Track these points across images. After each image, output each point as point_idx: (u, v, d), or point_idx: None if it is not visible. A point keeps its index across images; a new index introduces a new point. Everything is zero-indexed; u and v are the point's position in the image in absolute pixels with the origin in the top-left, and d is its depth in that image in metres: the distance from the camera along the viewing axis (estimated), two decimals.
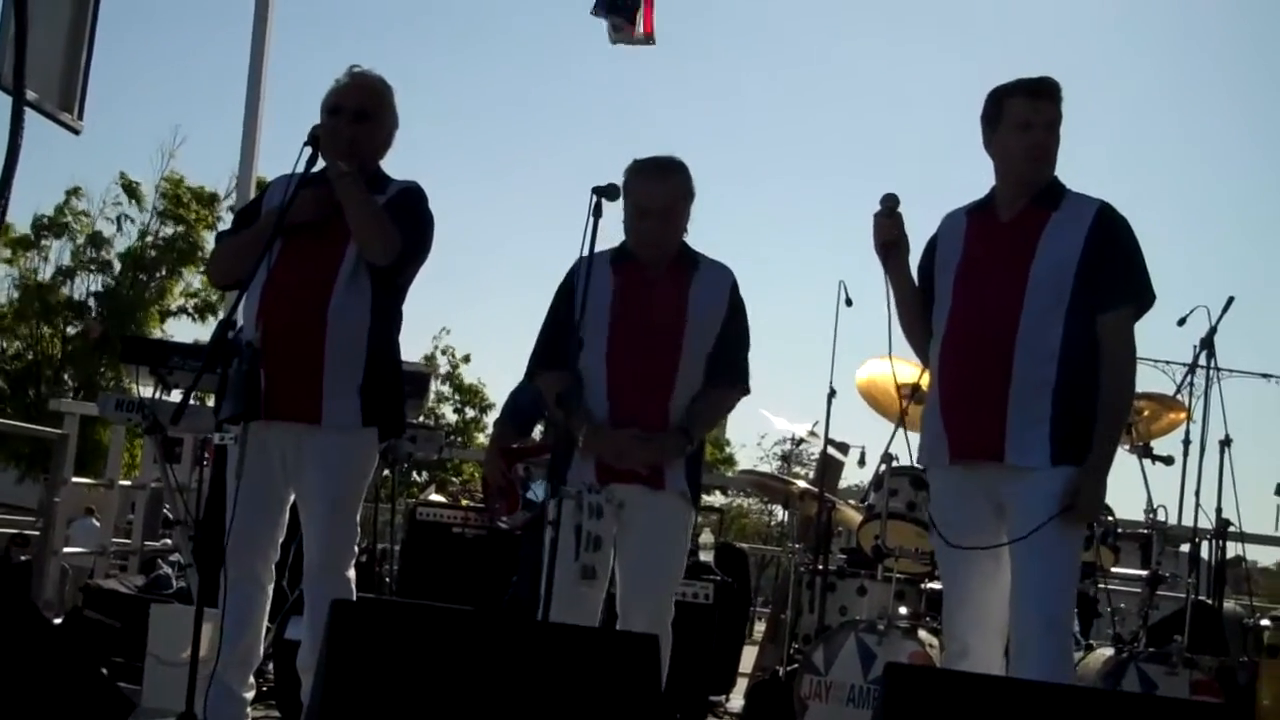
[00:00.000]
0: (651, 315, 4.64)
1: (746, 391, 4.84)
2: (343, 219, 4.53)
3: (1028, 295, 4.27)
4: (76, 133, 6.03)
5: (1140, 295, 4.37)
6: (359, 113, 4.63)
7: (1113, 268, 4.29)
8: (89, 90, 6.03)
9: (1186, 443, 6.54)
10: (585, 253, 4.29)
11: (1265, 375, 7.85)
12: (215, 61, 39.32)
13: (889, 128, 57.37)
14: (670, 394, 4.61)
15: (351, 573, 4.69)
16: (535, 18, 50.72)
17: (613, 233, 4.60)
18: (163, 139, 28.42)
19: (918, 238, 4.58)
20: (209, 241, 26.84)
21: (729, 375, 4.74)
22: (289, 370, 4.48)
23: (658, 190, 4.63)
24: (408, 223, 4.61)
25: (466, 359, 32.75)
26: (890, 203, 4.48)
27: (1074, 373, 4.25)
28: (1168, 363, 7.11)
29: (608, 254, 4.67)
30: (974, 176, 4.55)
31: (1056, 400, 4.24)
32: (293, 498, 4.68)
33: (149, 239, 26.90)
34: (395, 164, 4.83)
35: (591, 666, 3.35)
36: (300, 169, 4.48)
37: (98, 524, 13.68)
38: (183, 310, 27.07)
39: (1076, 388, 4.25)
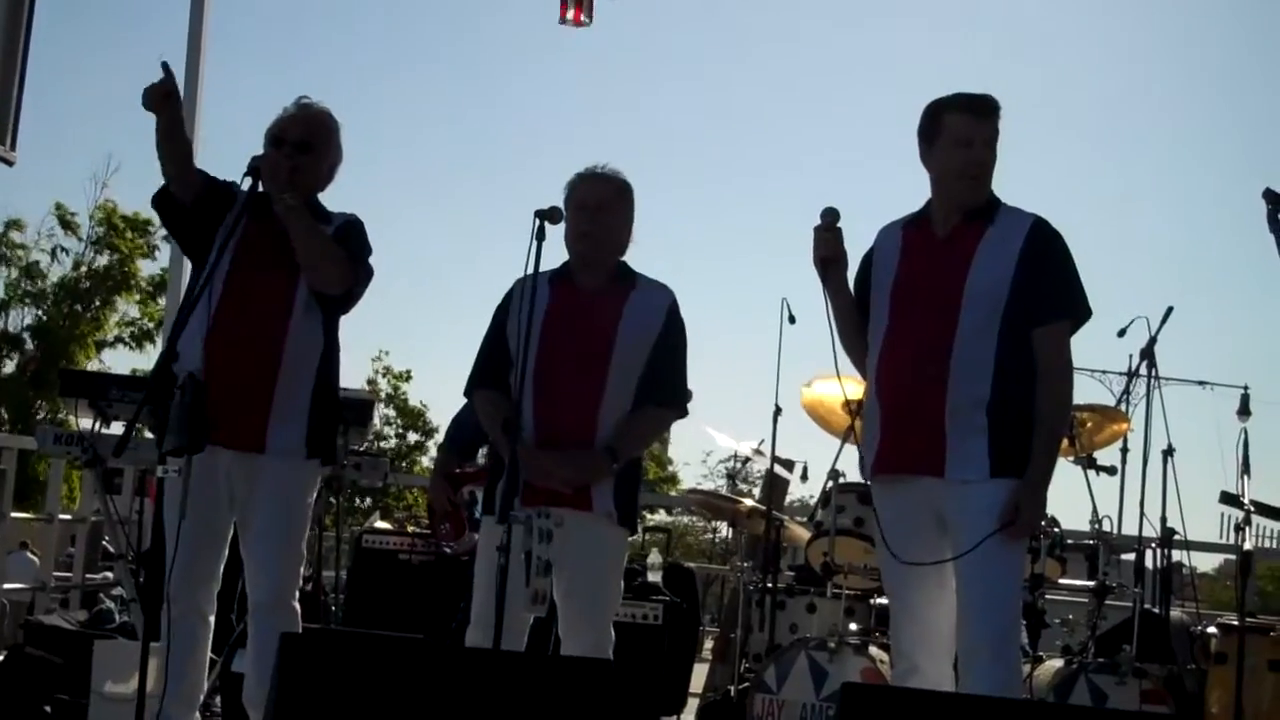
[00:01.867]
0: (581, 333, 4.61)
1: (681, 413, 4.79)
2: (289, 249, 4.52)
3: (963, 311, 4.28)
4: (10, 164, 5.99)
5: (1076, 309, 4.39)
6: (301, 144, 4.61)
7: (1048, 282, 4.30)
8: (21, 119, 5.99)
9: (1124, 451, 6.60)
10: (528, 275, 4.27)
11: (1201, 383, 7.93)
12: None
13: (830, 142, 57.75)
14: (597, 413, 4.56)
15: (297, 604, 4.65)
16: (472, 40, 50.80)
17: (556, 256, 4.61)
18: (96, 167, 28.12)
19: (857, 252, 4.59)
20: (143, 269, 26.60)
21: (659, 395, 4.67)
22: (238, 398, 4.45)
23: (594, 188, 4.65)
24: (355, 253, 4.64)
25: (408, 376, 32.63)
26: (830, 217, 4.47)
27: (1010, 386, 4.26)
28: (1104, 372, 7.19)
29: (548, 273, 4.66)
30: (916, 190, 4.56)
31: (993, 414, 4.25)
32: (234, 528, 4.64)
33: (83, 269, 26.61)
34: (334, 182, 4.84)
35: (545, 693, 3.33)
36: (240, 200, 4.50)
37: (33, 558, 13.50)
38: (119, 340, 26.80)
39: (1013, 401, 4.26)
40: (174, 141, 4.58)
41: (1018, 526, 4.23)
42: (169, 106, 4.49)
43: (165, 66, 4.47)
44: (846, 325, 4.56)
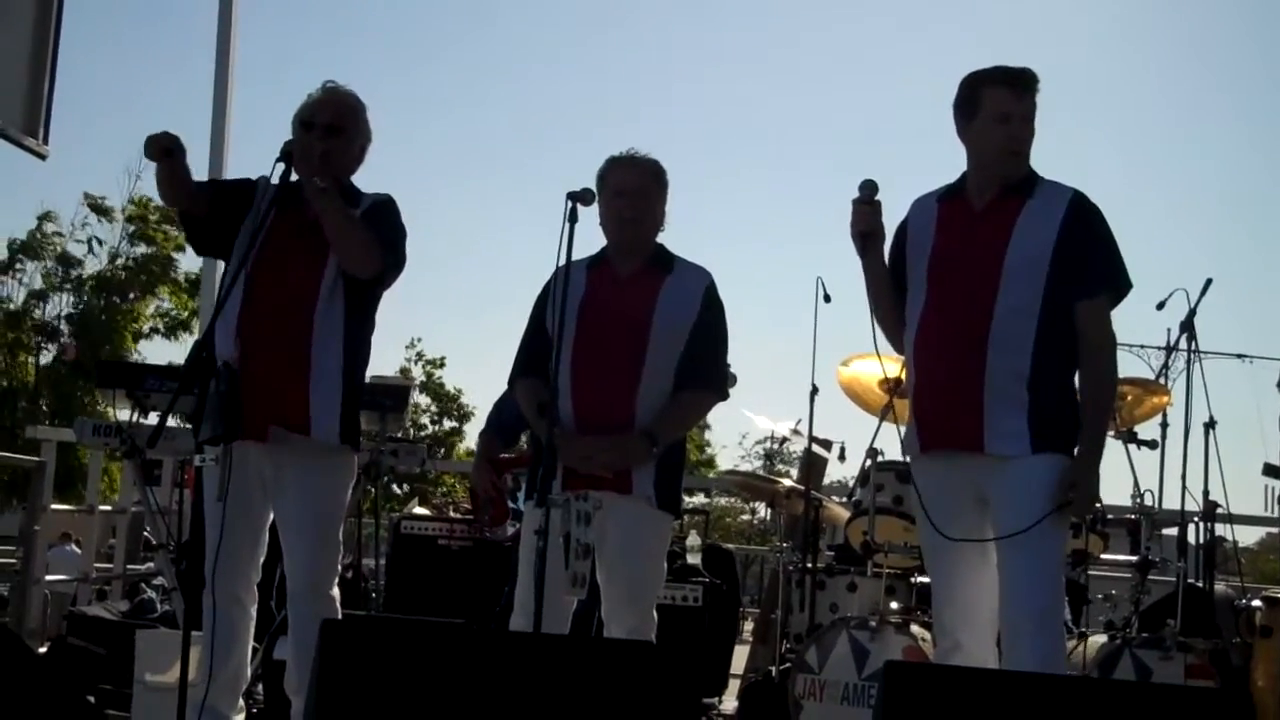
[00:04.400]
0: (618, 318, 4.60)
1: (722, 396, 4.77)
2: (319, 233, 4.51)
3: (1002, 285, 4.25)
4: (43, 157, 6.00)
5: (1117, 283, 4.36)
6: (331, 127, 4.59)
7: (1089, 256, 4.27)
8: (54, 113, 5.99)
9: (1165, 425, 6.54)
10: (561, 258, 4.26)
11: (1240, 356, 7.84)
12: (181, 79, 39.19)
13: (865, 122, 57.49)
14: (635, 397, 4.55)
15: (336, 591, 4.67)
16: (510, 22, 50.80)
17: (589, 238, 4.59)
18: (129, 160, 28.13)
19: (891, 226, 4.55)
20: (180, 262, 26.71)
21: (698, 378, 4.65)
22: (272, 388, 4.45)
23: (631, 173, 4.66)
24: (386, 235, 4.62)
25: (442, 362, 32.70)
26: (869, 190, 4.42)
27: (1049, 361, 4.24)
28: (1142, 347, 7.10)
29: (584, 260, 4.66)
30: (950, 165, 4.52)
31: (1033, 388, 4.23)
32: (271, 517, 4.65)
33: (119, 261, 26.70)
34: (367, 167, 4.82)
35: (586, 676, 3.32)
36: (271, 189, 4.47)
37: (75, 550, 13.60)
38: (155, 331, 26.89)
39: (1052, 375, 4.25)
40: (172, 188, 4.56)
41: (1075, 505, 4.22)
42: (169, 162, 4.47)
43: (169, 134, 4.48)
44: (882, 300, 4.53)
